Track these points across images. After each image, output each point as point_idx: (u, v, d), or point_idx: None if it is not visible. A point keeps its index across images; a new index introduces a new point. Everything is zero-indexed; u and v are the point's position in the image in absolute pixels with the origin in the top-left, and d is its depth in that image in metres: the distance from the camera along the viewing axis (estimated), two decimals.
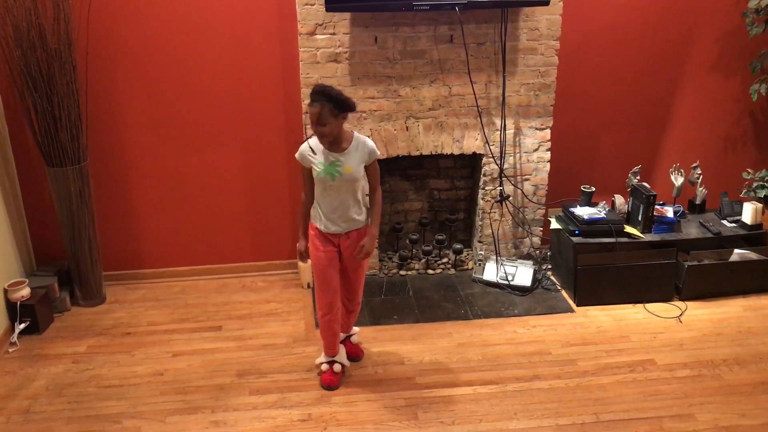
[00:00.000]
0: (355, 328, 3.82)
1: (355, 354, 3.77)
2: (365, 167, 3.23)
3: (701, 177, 4.64)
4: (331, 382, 3.52)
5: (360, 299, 3.61)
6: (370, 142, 3.24)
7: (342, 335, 3.73)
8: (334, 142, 3.16)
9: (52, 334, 4.09)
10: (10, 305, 4.00)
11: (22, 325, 4.00)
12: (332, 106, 3.03)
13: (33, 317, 4.02)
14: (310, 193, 3.32)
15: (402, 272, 4.72)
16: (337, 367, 3.56)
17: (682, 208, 4.57)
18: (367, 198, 3.36)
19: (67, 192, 4.09)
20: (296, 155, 3.26)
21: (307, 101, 4.17)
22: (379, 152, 3.29)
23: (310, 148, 3.20)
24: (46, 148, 3.99)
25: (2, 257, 4.06)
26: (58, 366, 3.76)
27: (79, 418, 3.33)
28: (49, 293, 4.19)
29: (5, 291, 4.00)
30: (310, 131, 4.17)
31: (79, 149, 4.07)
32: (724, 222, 4.52)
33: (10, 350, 3.90)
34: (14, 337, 3.96)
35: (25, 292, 4.02)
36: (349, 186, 3.20)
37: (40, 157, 4.09)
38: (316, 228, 3.33)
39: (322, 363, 3.60)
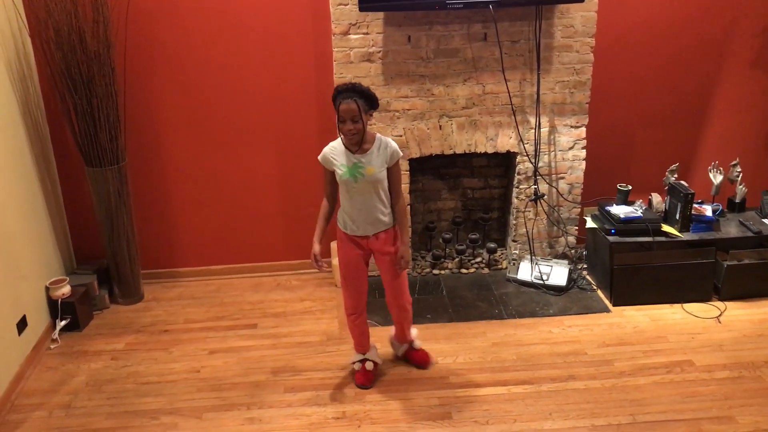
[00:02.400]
0: (414, 331, 3.70)
1: (423, 361, 3.67)
2: (387, 169, 3.19)
3: (741, 175, 4.55)
4: (365, 380, 3.53)
5: (408, 299, 3.49)
6: (393, 143, 3.18)
7: (404, 346, 3.69)
8: (359, 142, 3.12)
9: (91, 331, 4.17)
10: (52, 303, 4.09)
11: (63, 322, 4.08)
12: (364, 102, 3.01)
13: (73, 314, 4.11)
14: (330, 197, 3.30)
15: (435, 271, 4.71)
16: (369, 365, 3.57)
17: (721, 207, 4.49)
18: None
19: (106, 192, 4.17)
20: (319, 158, 3.23)
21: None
22: (401, 153, 3.23)
23: (332, 149, 3.19)
24: (85, 148, 4.08)
25: (44, 256, 4.15)
26: (97, 362, 3.83)
27: (118, 413, 3.39)
28: (88, 291, 4.28)
29: (47, 289, 4.09)
30: None
31: (118, 150, 4.14)
32: (765, 221, 4.42)
33: (52, 347, 3.99)
34: (55, 334, 4.05)
35: (66, 289, 4.10)
36: (373, 187, 3.16)
37: (80, 157, 4.18)
38: (341, 231, 3.33)
39: (354, 362, 3.60)
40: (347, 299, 3.43)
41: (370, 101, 3.04)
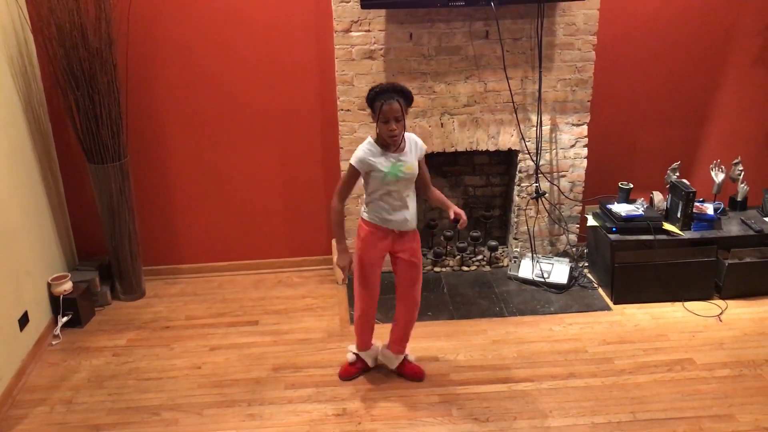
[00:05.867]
0: (407, 351, 3.62)
1: (418, 374, 3.57)
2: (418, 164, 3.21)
3: (743, 173, 4.54)
4: (346, 374, 3.59)
5: (418, 301, 3.43)
6: (419, 139, 3.23)
7: (399, 358, 3.56)
8: (400, 141, 3.10)
9: (93, 327, 4.18)
10: (54, 299, 4.10)
11: (65, 319, 4.09)
12: (404, 100, 3.01)
13: (75, 311, 4.12)
14: (344, 200, 3.21)
15: (436, 269, 4.71)
16: (352, 359, 3.61)
17: (722, 205, 4.48)
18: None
19: (107, 188, 4.17)
20: (353, 160, 3.11)
21: (343, 98, 4.21)
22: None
23: (370, 152, 3.10)
24: (87, 145, 4.08)
25: (46, 252, 4.16)
26: (99, 358, 3.84)
27: (119, 409, 3.40)
28: (90, 287, 4.28)
29: (49, 285, 4.10)
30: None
31: (120, 146, 4.15)
32: (767, 219, 4.42)
33: (54, 343, 4.00)
34: (57, 330, 4.06)
35: (68, 286, 4.11)
36: (409, 184, 3.17)
37: (81, 153, 4.18)
38: (371, 226, 3.22)
39: (350, 353, 3.63)
40: (361, 301, 3.37)
41: (408, 100, 3.05)
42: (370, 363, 3.61)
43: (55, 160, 4.37)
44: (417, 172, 3.18)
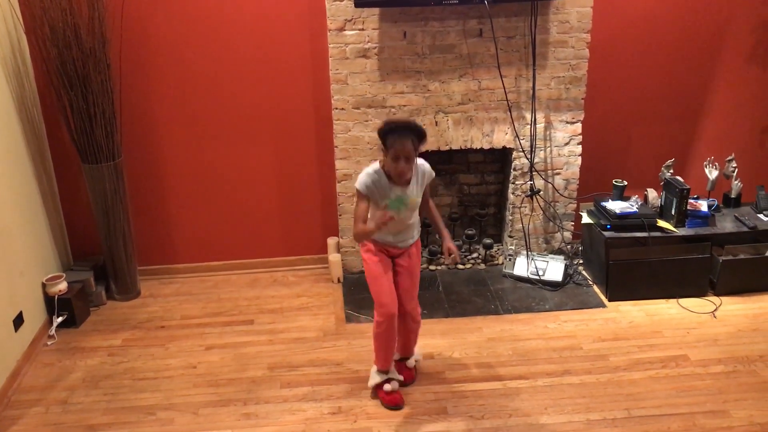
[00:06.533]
0: (418, 350, 3.57)
1: (407, 379, 3.49)
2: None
3: (736, 170, 4.56)
4: (399, 400, 3.33)
5: (418, 306, 3.37)
6: (427, 165, 3.16)
7: (396, 355, 3.46)
8: (409, 179, 3.05)
9: (88, 327, 4.17)
10: (48, 299, 4.09)
11: (60, 319, 4.09)
12: (417, 140, 2.93)
13: (70, 311, 4.11)
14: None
15: (431, 267, 4.72)
16: (395, 385, 3.37)
17: (716, 202, 4.50)
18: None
19: (102, 188, 4.17)
20: (359, 186, 3.04)
21: (337, 97, 4.21)
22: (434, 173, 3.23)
23: (375, 181, 3.03)
24: (81, 145, 4.07)
25: (40, 252, 4.15)
26: (94, 358, 3.84)
27: (115, 409, 3.40)
28: (85, 287, 4.28)
29: (43, 285, 4.09)
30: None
31: (114, 146, 4.14)
32: (761, 216, 4.43)
33: (49, 343, 3.99)
34: (52, 330, 4.05)
35: (63, 286, 4.10)
36: (412, 213, 3.15)
37: (76, 153, 4.17)
38: (372, 241, 3.19)
39: (377, 383, 3.36)
40: (386, 302, 3.17)
41: (422, 138, 2.97)
42: (399, 378, 3.42)
43: (49, 160, 4.37)
44: (420, 201, 3.16)
